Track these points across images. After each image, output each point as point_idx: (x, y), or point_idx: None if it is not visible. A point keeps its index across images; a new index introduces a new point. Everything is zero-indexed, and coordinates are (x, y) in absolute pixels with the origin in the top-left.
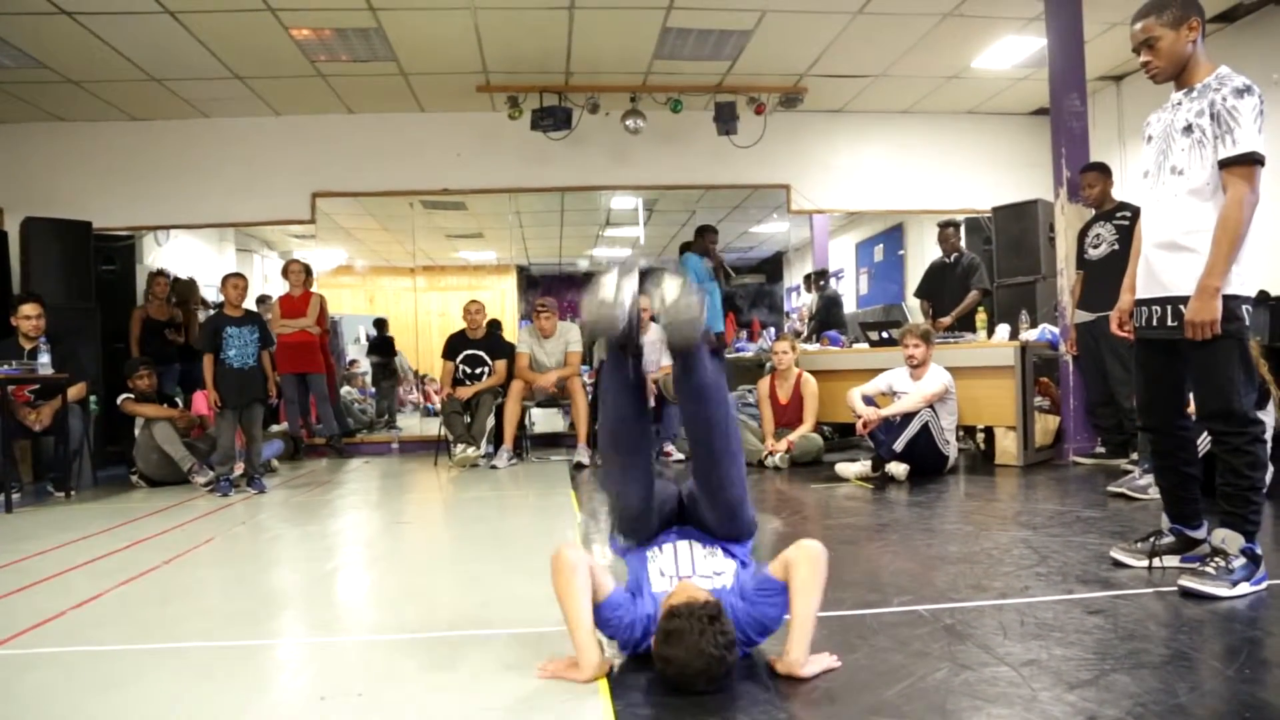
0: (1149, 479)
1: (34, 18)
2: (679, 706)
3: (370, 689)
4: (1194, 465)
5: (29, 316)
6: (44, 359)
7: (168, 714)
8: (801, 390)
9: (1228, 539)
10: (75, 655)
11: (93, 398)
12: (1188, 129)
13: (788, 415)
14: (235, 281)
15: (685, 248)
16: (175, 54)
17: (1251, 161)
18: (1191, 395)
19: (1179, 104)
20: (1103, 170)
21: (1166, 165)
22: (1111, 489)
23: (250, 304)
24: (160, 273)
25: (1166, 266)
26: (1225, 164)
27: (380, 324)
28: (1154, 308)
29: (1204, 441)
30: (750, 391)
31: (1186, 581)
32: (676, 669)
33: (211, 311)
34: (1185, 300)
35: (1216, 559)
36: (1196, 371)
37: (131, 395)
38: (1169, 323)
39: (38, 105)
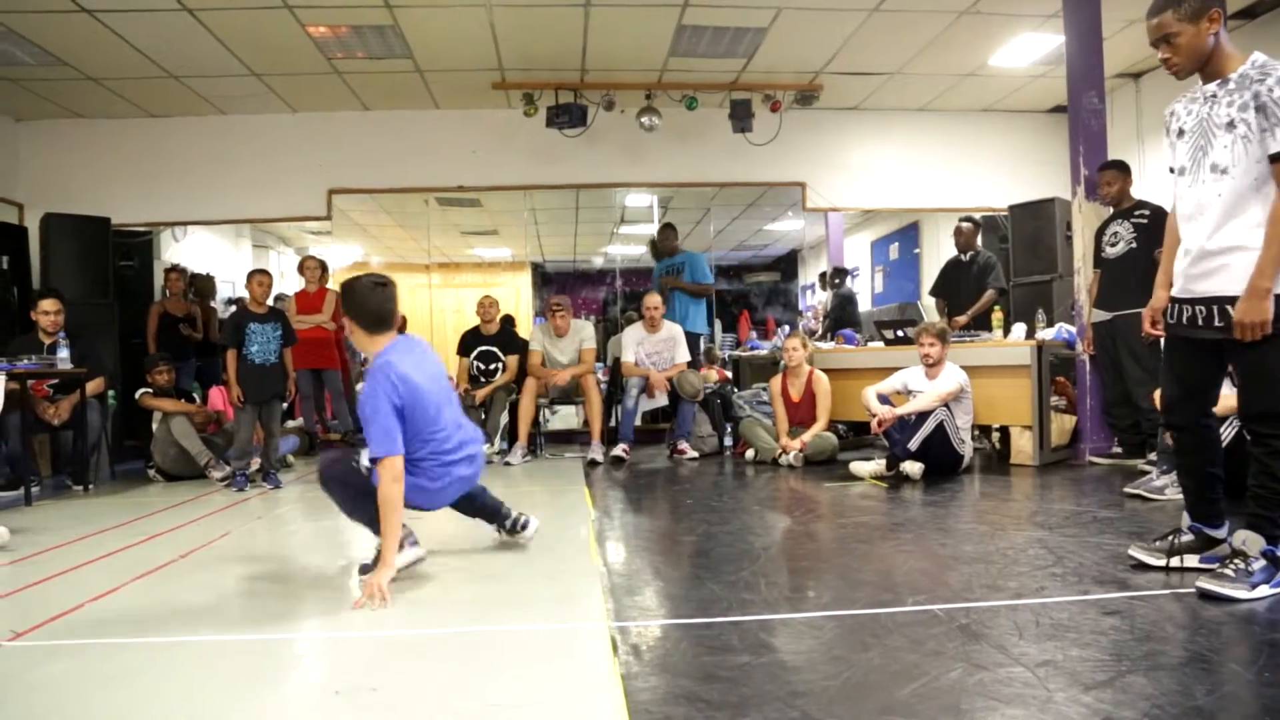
0: (1165, 479)
1: (55, 15)
2: (693, 704)
3: (384, 684)
4: (1218, 465)
5: (48, 312)
6: (63, 354)
7: (182, 707)
8: (814, 388)
9: (1249, 540)
10: (91, 648)
11: (111, 392)
12: (1230, 125)
13: (800, 413)
14: (260, 278)
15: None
16: (193, 51)
17: None
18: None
19: (1214, 96)
20: (1121, 168)
21: (1206, 162)
22: (1128, 490)
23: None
24: (174, 267)
25: (1213, 266)
26: (1277, 158)
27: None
28: (1197, 307)
29: (1224, 429)
30: (764, 389)
31: (1205, 583)
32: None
33: (233, 308)
34: (1233, 301)
35: (1236, 560)
36: (1243, 372)
37: (150, 390)
38: (1215, 323)
39: (58, 102)
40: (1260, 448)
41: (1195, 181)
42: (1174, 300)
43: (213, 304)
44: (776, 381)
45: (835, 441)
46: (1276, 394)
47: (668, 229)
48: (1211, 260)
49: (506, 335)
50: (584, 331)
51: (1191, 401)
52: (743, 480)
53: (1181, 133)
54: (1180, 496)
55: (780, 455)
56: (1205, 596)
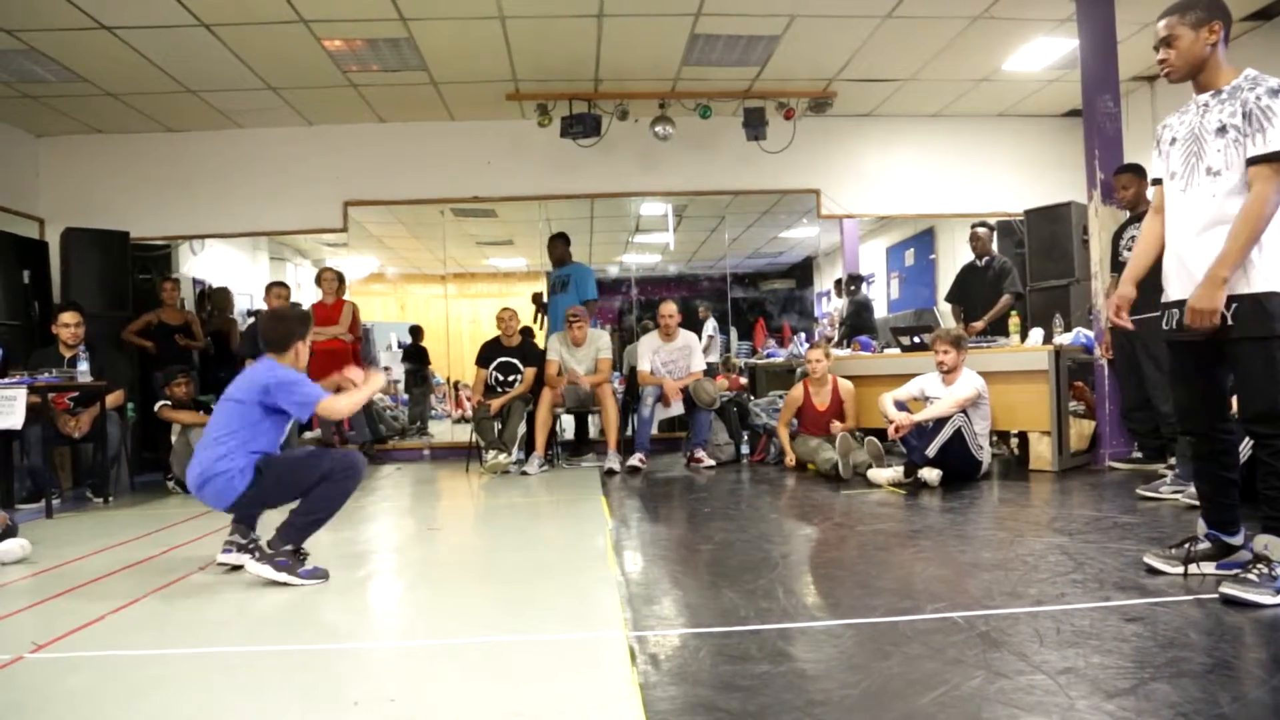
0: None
1: (74, 33)
2: (711, 713)
3: (403, 694)
4: (1233, 470)
5: (68, 324)
6: (83, 366)
7: (202, 718)
8: (841, 394)
9: (1270, 545)
10: (112, 659)
11: (130, 405)
12: (1222, 130)
13: (826, 420)
14: (279, 290)
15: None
16: (210, 66)
17: None
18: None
19: (1206, 106)
20: (1138, 172)
21: (1200, 167)
22: (1140, 491)
23: None
24: (167, 278)
25: (1204, 266)
26: (1254, 161)
27: (415, 332)
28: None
29: (1245, 447)
30: (781, 397)
31: (1228, 589)
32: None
33: (252, 320)
34: (1225, 300)
35: (1259, 566)
36: (1240, 373)
37: (168, 402)
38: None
39: (77, 118)
40: (1263, 449)
41: (1189, 185)
42: (1166, 305)
43: (231, 316)
44: (798, 389)
45: (880, 448)
46: (1274, 395)
47: (557, 239)
48: (1203, 261)
49: (526, 347)
50: (600, 341)
51: (1203, 406)
52: (760, 488)
53: (1174, 141)
54: (1174, 498)
55: (844, 458)
56: (1229, 602)
